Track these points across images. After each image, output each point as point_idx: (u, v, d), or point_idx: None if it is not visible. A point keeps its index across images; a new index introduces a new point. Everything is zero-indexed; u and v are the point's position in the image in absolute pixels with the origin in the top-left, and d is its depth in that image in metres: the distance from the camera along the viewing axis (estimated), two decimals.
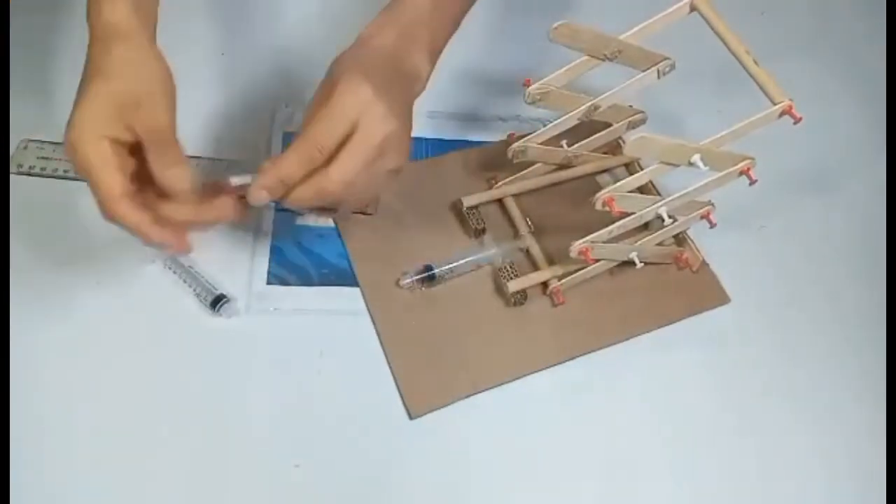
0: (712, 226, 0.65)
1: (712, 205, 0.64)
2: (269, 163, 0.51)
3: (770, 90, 0.57)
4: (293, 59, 0.80)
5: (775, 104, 0.57)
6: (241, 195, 0.53)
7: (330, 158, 0.51)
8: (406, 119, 0.54)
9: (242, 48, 0.81)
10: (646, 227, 0.66)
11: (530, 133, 0.67)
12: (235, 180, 0.52)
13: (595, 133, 0.71)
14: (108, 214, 0.50)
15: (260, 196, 0.51)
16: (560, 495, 0.58)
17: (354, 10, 0.85)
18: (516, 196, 0.71)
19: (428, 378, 0.61)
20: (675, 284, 0.69)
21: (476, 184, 0.72)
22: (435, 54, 0.58)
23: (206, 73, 0.78)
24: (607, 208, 0.58)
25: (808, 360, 0.66)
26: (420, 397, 0.60)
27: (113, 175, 0.49)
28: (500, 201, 0.71)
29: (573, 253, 0.61)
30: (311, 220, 0.68)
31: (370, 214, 0.69)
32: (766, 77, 0.58)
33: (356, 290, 0.65)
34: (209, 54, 0.80)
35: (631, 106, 0.71)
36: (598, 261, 0.64)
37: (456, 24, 0.60)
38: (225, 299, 0.61)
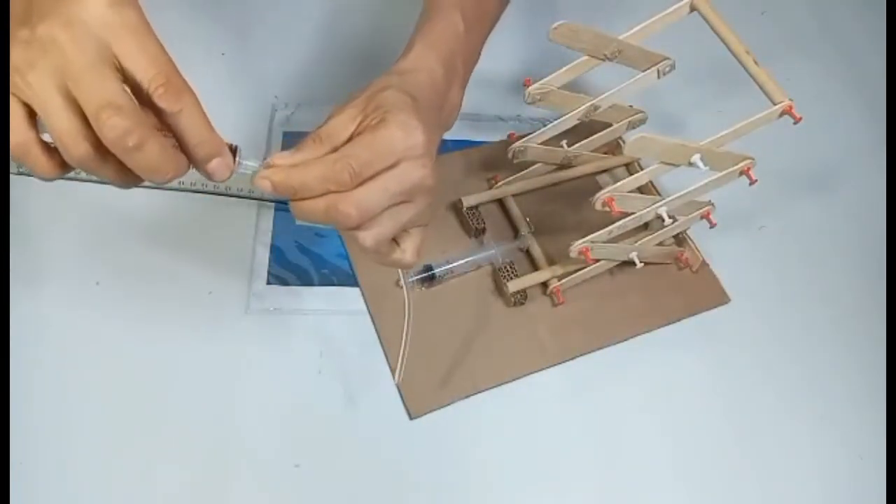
0: (712, 226, 0.65)
1: (712, 205, 0.64)
2: (282, 159, 0.46)
3: (770, 90, 0.57)
4: (293, 59, 0.80)
5: (775, 104, 0.57)
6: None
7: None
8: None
9: (242, 48, 0.81)
10: (646, 227, 0.66)
11: (530, 133, 0.67)
12: (247, 163, 0.46)
13: (595, 133, 0.71)
14: (179, 96, 0.40)
15: (263, 185, 0.46)
16: (560, 495, 0.58)
17: (355, 10, 0.85)
18: (516, 196, 0.71)
19: (428, 378, 0.61)
20: (675, 284, 0.69)
21: (476, 184, 0.72)
22: (465, 84, 0.57)
23: (206, 74, 0.77)
24: (607, 208, 0.58)
25: (808, 359, 0.66)
26: (420, 397, 0.61)
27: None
28: (500, 201, 0.71)
29: (573, 253, 0.61)
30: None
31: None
32: (766, 77, 0.58)
33: (356, 291, 0.66)
34: (209, 54, 0.80)
35: (631, 106, 0.71)
36: (598, 261, 0.64)
37: (479, 54, 0.60)
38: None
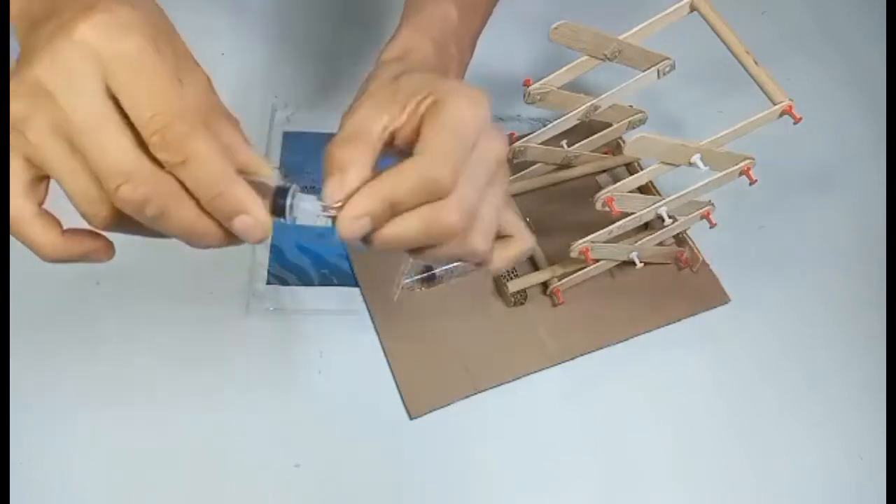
0: (712, 226, 0.65)
1: (712, 205, 0.64)
2: (338, 187, 0.37)
3: (770, 90, 0.57)
4: (293, 60, 0.80)
5: (775, 104, 0.57)
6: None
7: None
8: None
9: (242, 48, 0.81)
10: (646, 226, 0.66)
11: (530, 133, 0.67)
12: (305, 206, 0.38)
13: (595, 133, 0.71)
14: (180, 145, 0.32)
15: (356, 228, 0.36)
16: (560, 495, 0.58)
17: (355, 11, 0.85)
18: (516, 196, 0.71)
19: (428, 378, 0.61)
20: (676, 284, 0.69)
21: None
22: (463, 73, 0.52)
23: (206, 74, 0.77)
24: (607, 208, 0.58)
25: (808, 359, 0.66)
26: (420, 397, 0.61)
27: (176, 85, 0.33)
28: None
29: (573, 253, 0.61)
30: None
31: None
32: (766, 77, 0.58)
33: (356, 290, 0.66)
34: (209, 55, 0.79)
35: (631, 106, 0.71)
36: (598, 261, 0.64)
37: (474, 44, 0.55)
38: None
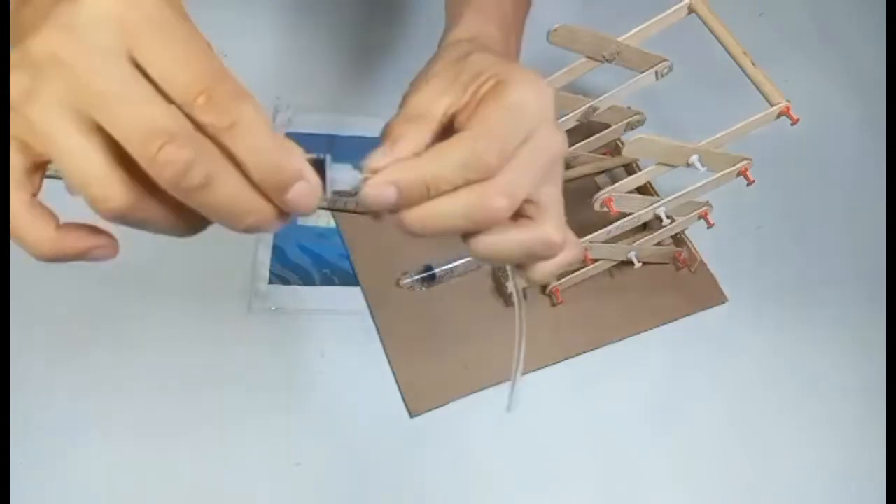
0: (710, 226, 0.65)
1: (710, 205, 0.64)
2: (385, 157, 0.34)
3: (767, 91, 0.58)
4: (294, 61, 0.81)
5: (773, 105, 0.57)
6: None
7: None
8: None
9: (242, 49, 0.81)
10: (644, 227, 0.66)
11: None
12: (341, 178, 0.34)
13: (594, 134, 0.71)
14: (227, 107, 0.29)
15: (378, 194, 0.33)
16: (560, 494, 0.58)
17: (357, 14, 0.85)
18: None
19: (428, 378, 0.62)
20: (674, 284, 0.69)
21: None
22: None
23: None
24: (606, 209, 0.58)
25: (806, 359, 0.67)
26: (420, 397, 0.61)
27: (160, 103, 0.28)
28: None
29: None
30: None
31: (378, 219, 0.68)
32: (764, 78, 0.58)
33: (357, 290, 0.66)
34: None
35: (629, 107, 0.71)
36: (596, 261, 0.64)
37: (521, 44, 0.52)
38: None
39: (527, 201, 0.36)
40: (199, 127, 0.28)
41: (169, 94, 0.28)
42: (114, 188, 0.28)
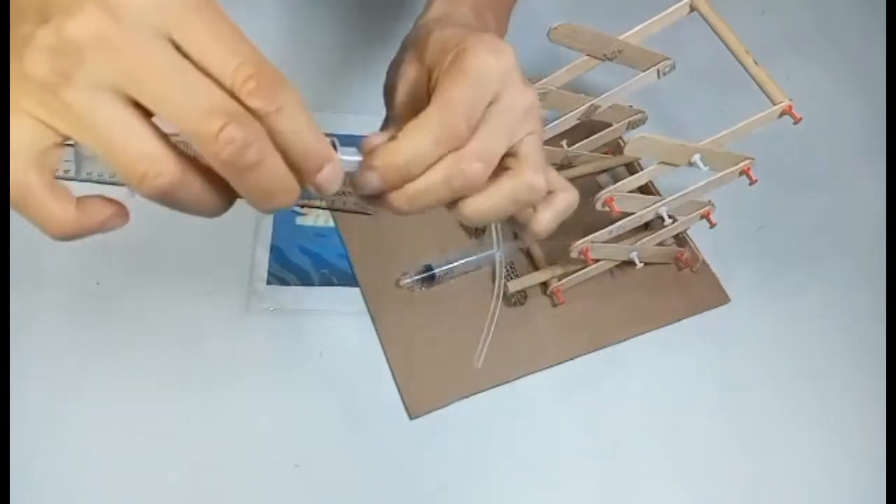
0: (712, 226, 0.65)
1: (712, 205, 0.64)
2: (376, 138, 0.37)
3: (770, 90, 0.57)
4: (294, 61, 0.80)
5: (775, 104, 0.57)
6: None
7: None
8: None
9: None
10: (646, 226, 0.66)
11: None
12: (345, 158, 0.36)
13: (595, 133, 0.71)
14: (273, 92, 0.30)
15: (368, 181, 0.36)
16: (560, 495, 0.58)
17: (357, 13, 0.85)
18: None
19: (428, 378, 0.61)
20: (675, 284, 0.69)
21: None
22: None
23: None
24: (607, 208, 0.58)
25: (808, 359, 0.66)
26: (420, 397, 0.61)
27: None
28: None
29: (573, 253, 0.61)
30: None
31: (370, 214, 0.69)
32: (766, 77, 0.58)
33: (356, 290, 0.66)
34: None
35: (631, 106, 0.71)
36: (598, 261, 0.64)
37: (508, 18, 0.54)
38: None
39: (506, 155, 0.38)
40: (248, 109, 0.30)
41: (215, 77, 0.29)
42: (165, 164, 0.29)
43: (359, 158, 0.36)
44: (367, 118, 0.74)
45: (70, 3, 0.28)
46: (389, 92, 0.42)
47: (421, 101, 0.39)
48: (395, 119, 0.41)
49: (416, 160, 0.36)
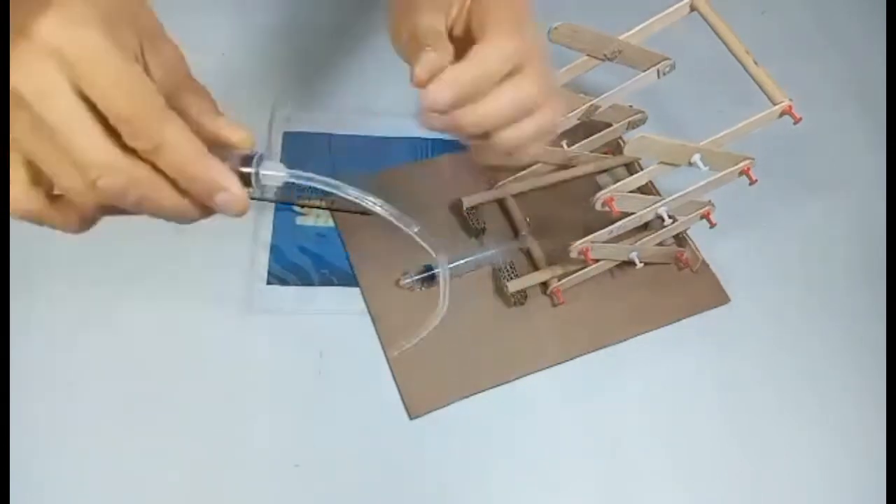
0: (712, 226, 0.65)
1: (712, 205, 0.64)
2: (428, 60, 0.40)
3: (769, 90, 0.57)
4: (293, 60, 0.80)
5: (775, 104, 0.57)
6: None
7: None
8: None
9: (242, 48, 0.81)
10: (646, 227, 0.66)
11: None
12: (266, 172, 0.38)
13: (595, 133, 0.71)
14: (149, 133, 0.33)
15: (441, 94, 0.39)
16: (560, 495, 0.58)
17: (356, 12, 0.85)
18: (516, 196, 0.71)
19: (428, 378, 0.61)
20: (675, 284, 0.69)
21: (476, 184, 0.72)
22: None
23: (206, 74, 0.77)
24: (607, 208, 0.58)
25: (808, 359, 0.66)
26: (420, 397, 0.61)
27: (144, 74, 0.34)
28: (500, 201, 0.71)
29: (573, 253, 0.61)
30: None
31: (370, 215, 0.68)
32: (766, 77, 0.58)
33: (356, 290, 0.66)
34: (209, 54, 0.79)
35: (631, 106, 0.71)
36: (598, 261, 0.64)
37: None
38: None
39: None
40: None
41: (108, 119, 0.33)
42: (87, 197, 0.34)
43: (283, 173, 0.37)
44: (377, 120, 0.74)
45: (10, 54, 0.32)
46: (420, 26, 0.43)
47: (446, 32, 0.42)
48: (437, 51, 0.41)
49: (484, 80, 0.39)
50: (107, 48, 0.33)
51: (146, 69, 0.36)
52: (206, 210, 0.36)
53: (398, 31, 0.45)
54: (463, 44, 0.42)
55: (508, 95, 0.40)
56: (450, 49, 0.41)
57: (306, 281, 0.66)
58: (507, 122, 0.41)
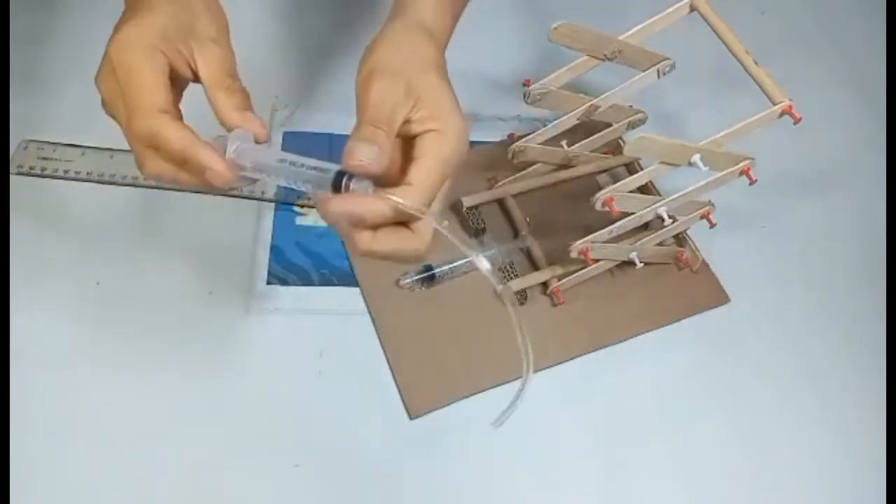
0: (712, 226, 0.65)
1: (712, 205, 0.64)
2: (367, 152, 0.44)
3: (770, 90, 0.57)
4: (293, 60, 0.80)
5: (775, 104, 0.57)
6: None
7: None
8: None
9: (242, 48, 0.80)
10: (646, 227, 0.66)
11: (530, 133, 0.67)
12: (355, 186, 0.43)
13: (595, 133, 0.71)
14: (139, 130, 0.44)
15: (328, 213, 0.44)
16: (560, 495, 0.58)
17: (355, 11, 0.85)
18: (516, 196, 0.71)
19: (428, 378, 0.61)
20: (675, 284, 0.69)
21: (476, 184, 0.72)
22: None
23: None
24: (607, 208, 0.58)
25: (808, 359, 0.66)
26: (420, 397, 0.61)
27: (161, 85, 0.45)
28: (500, 201, 0.71)
29: (573, 253, 0.61)
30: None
31: None
32: (766, 77, 0.58)
33: (356, 290, 0.65)
34: None
35: (631, 106, 0.71)
36: (598, 261, 0.64)
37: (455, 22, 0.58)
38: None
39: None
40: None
41: None
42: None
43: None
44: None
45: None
46: (364, 91, 0.47)
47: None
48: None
49: (380, 219, 0.44)
50: (140, 68, 0.44)
51: (195, 68, 0.47)
52: (210, 184, 0.45)
53: (367, 64, 0.48)
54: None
55: (394, 246, 0.45)
56: (389, 148, 0.45)
57: (306, 281, 0.66)
58: (382, 258, 0.45)
